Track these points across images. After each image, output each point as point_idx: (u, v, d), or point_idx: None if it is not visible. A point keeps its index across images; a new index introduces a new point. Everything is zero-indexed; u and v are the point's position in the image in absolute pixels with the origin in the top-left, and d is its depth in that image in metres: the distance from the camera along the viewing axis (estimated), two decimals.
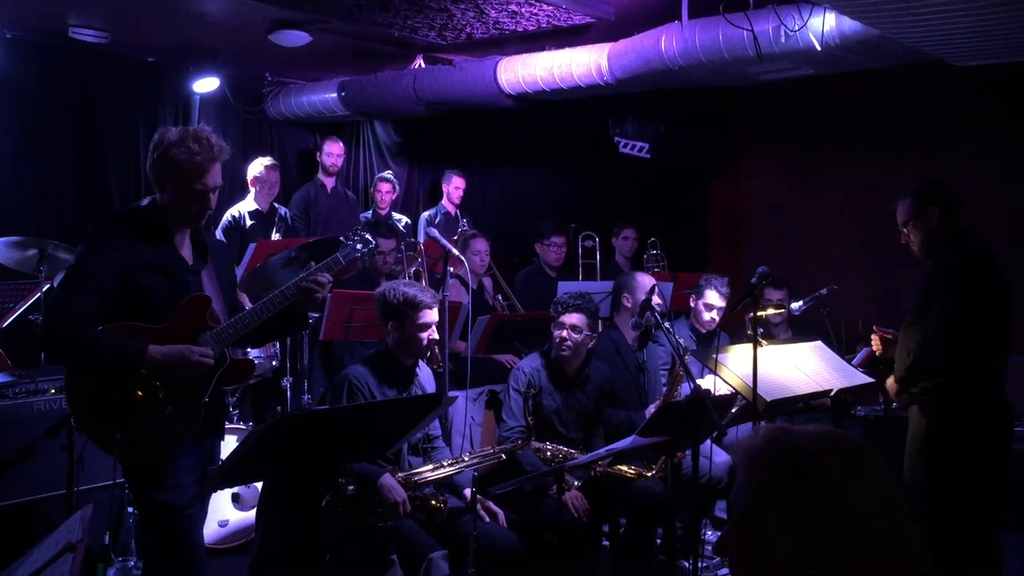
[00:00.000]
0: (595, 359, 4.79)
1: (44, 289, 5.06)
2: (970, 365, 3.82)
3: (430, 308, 4.02)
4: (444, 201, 8.37)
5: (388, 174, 8.44)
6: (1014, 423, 4.06)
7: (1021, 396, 4.54)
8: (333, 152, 8.09)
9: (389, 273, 5.99)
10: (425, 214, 8.45)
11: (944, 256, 3.87)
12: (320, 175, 8.12)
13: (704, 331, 5.59)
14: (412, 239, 7.03)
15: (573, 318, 4.55)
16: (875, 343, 4.21)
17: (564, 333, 4.56)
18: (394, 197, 8.30)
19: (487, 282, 6.90)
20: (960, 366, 3.81)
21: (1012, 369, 3.95)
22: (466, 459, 3.97)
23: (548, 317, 4.75)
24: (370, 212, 8.25)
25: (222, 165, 3.19)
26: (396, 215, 8.31)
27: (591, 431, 4.71)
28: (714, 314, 5.53)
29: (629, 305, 5.17)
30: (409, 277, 5.83)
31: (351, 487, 3.77)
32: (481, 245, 6.58)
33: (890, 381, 4.09)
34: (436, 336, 4.11)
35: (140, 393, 3.01)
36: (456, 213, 8.30)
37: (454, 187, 8.31)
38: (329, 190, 8.13)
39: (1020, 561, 4.78)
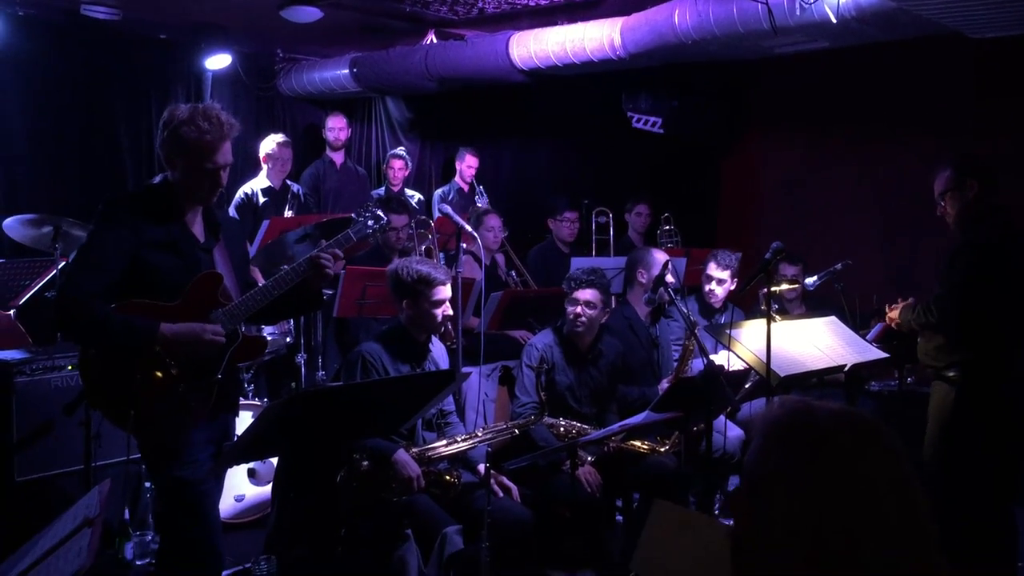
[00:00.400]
0: (607, 334, 4.79)
1: (60, 266, 5.09)
2: (995, 342, 3.83)
3: (444, 285, 4.02)
4: (457, 178, 8.36)
5: (401, 151, 8.43)
6: None
7: None
8: (335, 126, 8.09)
9: (402, 250, 5.99)
10: (438, 191, 8.44)
11: (979, 237, 3.88)
12: (328, 151, 8.13)
13: (710, 303, 5.59)
14: (424, 216, 7.02)
15: (587, 294, 4.55)
16: (890, 314, 4.22)
17: (578, 309, 4.56)
18: (406, 174, 8.29)
19: (499, 258, 6.90)
20: (985, 343, 3.82)
21: None
22: (480, 435, 3.99)
23: (561, 293, 4.75)
24: (382, 189, 8.25)
25: (233, 142, 3.19)
26: (408, 191, 8.30)
27: (604, 407, 4.72)
28: (714, 285, 5.53)
29: (644, 281, 5.16)
30: (421, 254, 5.83)
31: (365, 463, 3.79)
32: (494, 221, 6.57)
33: (894, 313, 4.14)
34: (450, 312, 4.11)
35: (152, 370, 3.02)
36: (469, 189, 8.28)
37: (467, 165, 8.30)
38: (338, 166, 8.13)
39: None
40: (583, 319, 4.56)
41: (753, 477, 1.40)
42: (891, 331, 5.15)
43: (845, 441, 1.37)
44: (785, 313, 5.75)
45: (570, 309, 4.59)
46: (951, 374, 3.93)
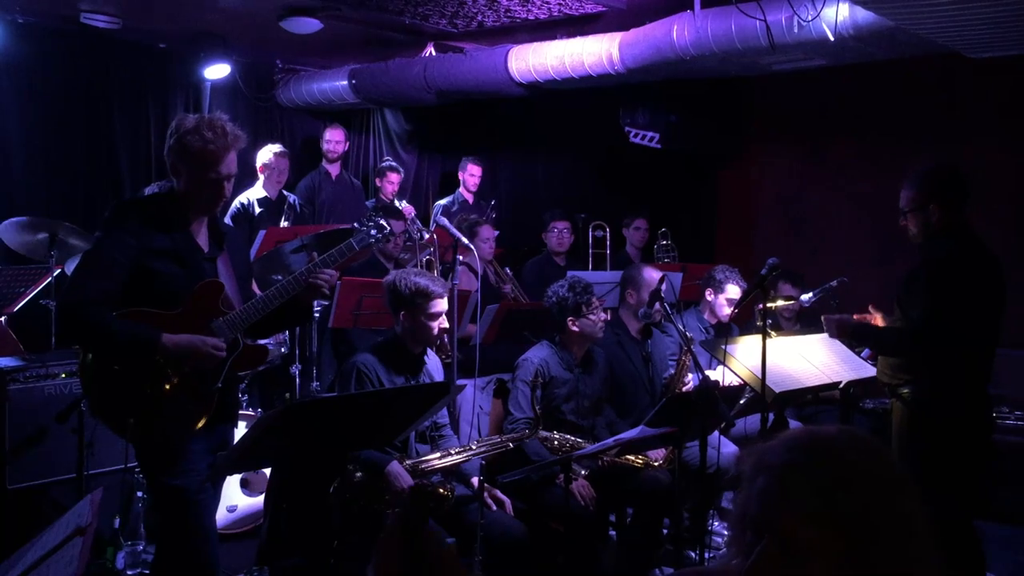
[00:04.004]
0: (594, 344, 4.82)
1: (55, 274, 5.08)
2: (952, 361, 3.79)
3: (441, 297, 4.02)
4: (461, 189, 8.35)
5: (395, 163, 8.40)
6: (993, 417, 4.06)
7: (1015, 387, 4.54)
8: (333, 139, 8.09)
9: (398, 259, 5.98)
10: (442, 202, 8.41)
11: (938, 252, 3.85)
12: (324, 163, 8.13)
13: (725, 322, 5.59)
14: (421, 227, 7.01)
15: (597, 299, 4.71)
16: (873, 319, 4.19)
17: (603, 315, 4.72)
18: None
19: (488, 270, 6.87)
20: (942, 361, 3.79)
21: (1007, 362, 3.93)
22: (474, 447, 3.98)
23: None
24: (373, 200, 8.23)
25: (238, 154, 3.21)
26: (396, 203, 8.26)
27: (599, 415, 4.74)
28: (731, 306, 5.54)
29: (632, 302, 5.18)
30: (421, 266, 5.82)
31: (359, 474, 3.78)
32: (488, 233, 6.55)
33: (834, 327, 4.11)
34: (446, 325, 4.11)
35: (152, 379, 3.02)
36: (475, 200, 8.25)
37: (469, 174, 8.29)
38: (334, 178, 8.13)
39: (1004, 550, 5.00)
40: (604, 323, 4.70)
41: (782, 528, 1.31)
42: None
43: (857, 456, 1.33)
44: (779, 329, 5.75)
45: (596, 318, 4.64)
46: (904, 391, 3.89)
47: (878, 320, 4.17)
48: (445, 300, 4.05)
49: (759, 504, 1.34)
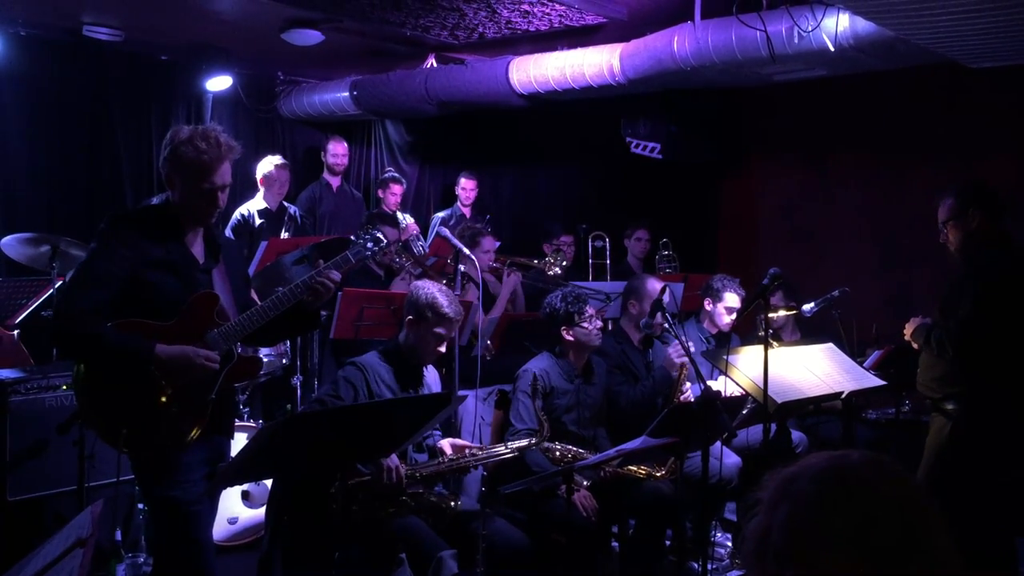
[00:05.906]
0: (594, 354, 4.82)
1: (57, 286, 5.08)
2: (996, 373, 3.80)
3: (451, 323, 4.00)
4: (459, 203, 8.36)
5: (397, 174, 8.41)
6: None
7: None
8: (338, 152, 8.10)
9: (397, 267, 5.95)
10: (440, 214, 8.41)
11: (983, 262, 3.87)
12: (325, 174, 8.14)
13: (725, 332, 5.57)
14: (422, 240, 7.01)
15: (592, 308, 4.67)
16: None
17: (598, 323, 4.67)
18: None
19: (489, 279, 6.85)
20: (986, 374, 3.80)
21: None
22: (478, 452, 3.96)
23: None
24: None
25: (233, 164, 3.21)
26: (399, 215, 8.26)
27: (600, 426, 4.73)
28: (732, 316, 5.53)
29: (635, 312, 5.18)
30: (414, 276, 5.81)
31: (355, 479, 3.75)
32: (490, 244, 6.56)
33: (909, 329, 4.11)
34: (443, 350, 4.09)
35: (145, 389, 3.02)
36: (472, 214, 8.26)
37: (462, 188, 8.31)
38: (335, 189, 8.14)
39: None
40: (600, 330, 4.66)
41: (810, 562, 1.28)
42: (888, 359, 5.13)
43: (885, 485, 1.30)
44: (779, 339, 5.74)
45: (590, 327, 4.61)
46: (949, 406, 3.91)
47: (909, 329, 4.16)
48: (454, 326, 4.04)
49: (784, 535, 1.31)
